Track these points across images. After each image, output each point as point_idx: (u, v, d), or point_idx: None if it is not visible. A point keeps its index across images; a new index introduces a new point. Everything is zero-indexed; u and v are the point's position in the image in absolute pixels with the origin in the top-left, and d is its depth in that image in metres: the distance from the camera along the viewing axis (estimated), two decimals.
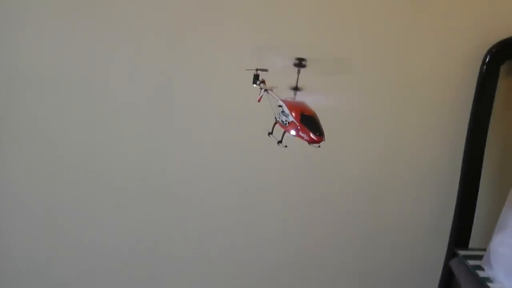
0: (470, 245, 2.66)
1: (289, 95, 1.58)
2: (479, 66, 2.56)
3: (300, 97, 1.58)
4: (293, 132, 1.60)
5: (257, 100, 1.68)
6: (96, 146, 2.59)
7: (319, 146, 1.58)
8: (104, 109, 2.54)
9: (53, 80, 2.47)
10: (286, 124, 1.60)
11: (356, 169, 2.73)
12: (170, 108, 2.57)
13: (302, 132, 1.57)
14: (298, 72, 1.56)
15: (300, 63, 1.55)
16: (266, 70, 1.64)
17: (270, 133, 1.66)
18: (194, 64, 2.52)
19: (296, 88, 1.58)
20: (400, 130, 2.71)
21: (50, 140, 2.57)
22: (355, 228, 2.81)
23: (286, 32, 2.44)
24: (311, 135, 1.55)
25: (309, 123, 1.55)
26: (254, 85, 1.69)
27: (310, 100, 1.58)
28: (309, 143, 1.58)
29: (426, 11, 2.56)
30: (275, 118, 1.65)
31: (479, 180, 2.64)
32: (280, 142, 1.63)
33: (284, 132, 1.62)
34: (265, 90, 1.66)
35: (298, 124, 1.56)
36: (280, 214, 2.77)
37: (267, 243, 2.80)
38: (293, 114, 1.58)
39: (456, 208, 2.67)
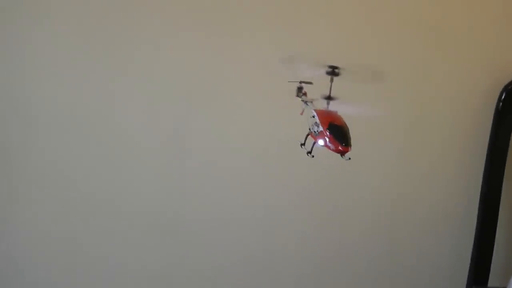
0: (489, 283, 2.62)
1: (324, 105, 1.57)
2: (495, 102, 2.57)
3: (334, 106, 1.56)
4: (321, 142, 1.59)
5: (300, 113, 1.69)
6: (111, 185, 2.60)
7: (349, 159, 1.56)
8: (119, 151, 2.56)
9: (67, 121, 2.50)
10: (317, 134, 1.58)
11: (373, 207, 2.72)
12: (184, 148, 2.58)
13: (330, 142, 1.56)
14: (331, 81, 1.55)
15: (333, 71, 1.54)
16: (310, 83, 1.64)
17: (302, 144, 1.65)
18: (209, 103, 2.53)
19: (329, 97, 1.56)
20: (418, 166, 2.70)
21: (67, 179, 2.58)
22: (370, 266, 2.78)
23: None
24: (338, 145, 1.54)
25: (337, 133, 1.55)
26: (297, 97, 1.68)
27: (344, 109, 1.56)
28: (338, 153, 1.56)
29: (446, 46, 2.61)
30: (309, 129, 1.65)
31: (498, 216, 2.62)
32: (309, 152, 1.61)
33: (314, 142, 1.60)
34: (306, 102, 1.66)
35: (326, 133, 1.55)
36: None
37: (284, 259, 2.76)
38: (323, 123, 1.58)
39: (474, 245, 2.64)
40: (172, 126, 2.56)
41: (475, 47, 2.60)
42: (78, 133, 2.52)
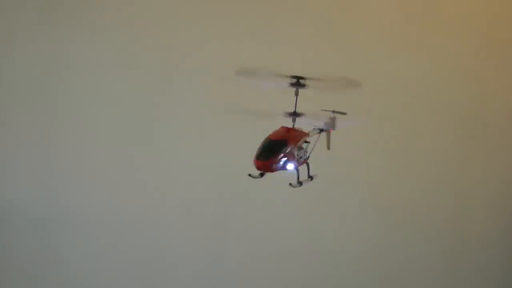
0: None
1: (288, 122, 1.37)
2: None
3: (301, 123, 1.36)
4: None
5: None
6: None
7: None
8: None
9: None
10: None
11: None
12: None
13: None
14: (297, 94, 1.33)
15: (298, 83, 1.32)
16: (344, 113, 1.50)
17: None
18: None
19: (294, 114, 1.34)
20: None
21: None
22: None
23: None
24: (254, 159, 1.41)
25: (260, 147, 1.40)
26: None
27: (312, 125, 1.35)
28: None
29: (421, 54, 2.48)
30: None
31: None
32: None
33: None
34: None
35: None
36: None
37: None
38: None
39: None
40: None
41: (450, 53, 2.46)
42: None
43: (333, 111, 1.51)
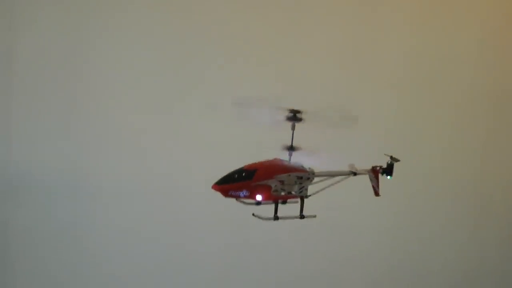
0: None
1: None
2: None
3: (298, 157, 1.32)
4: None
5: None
6: None
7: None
8: None
9: None
10: None
11: None
12: None
13: None
14: (293, 128, 1.29)
15: (294, 116, 1.28)
16: (398, 160, 1.62)
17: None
18: None
19: (291, 148, 1.30)
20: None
21: None
22: None
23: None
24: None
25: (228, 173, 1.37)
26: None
27: (308, 162, 1.32)
28: None
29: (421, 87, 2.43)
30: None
31: None
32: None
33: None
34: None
35: None
36: None
37: None
38: None
39: None
40: None
41: (449, 86, 2.46)
42: None
43: (391, 157, 1.53)
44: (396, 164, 2.29)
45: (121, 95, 2.54)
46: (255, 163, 1.39)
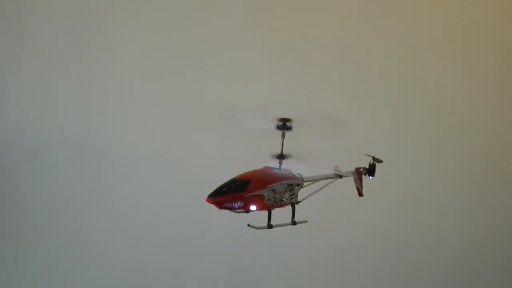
0: None
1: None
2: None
3: (288, 165, 1.32)
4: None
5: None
6: None
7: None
8: None
9: None
10: None
11: None
12: None
13: None
14: (283, 136, 1.30)
15: (284, 125, 1.29)
16: (381, 161, 1.43)
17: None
18: None
19: (281, 156, 1.31)
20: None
21: None
22: None
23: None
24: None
25: (221, 184, 1.39)
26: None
27: (299, 170, 1.32)
28: None
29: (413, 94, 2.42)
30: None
31: None
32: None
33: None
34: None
35: None
36: None
37: None
38: None
39: None
40: None
41: (444, 96, 2.48)
42: None
43: (373, 158, 1.53)
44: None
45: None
46: (246, 173, 1.40)
